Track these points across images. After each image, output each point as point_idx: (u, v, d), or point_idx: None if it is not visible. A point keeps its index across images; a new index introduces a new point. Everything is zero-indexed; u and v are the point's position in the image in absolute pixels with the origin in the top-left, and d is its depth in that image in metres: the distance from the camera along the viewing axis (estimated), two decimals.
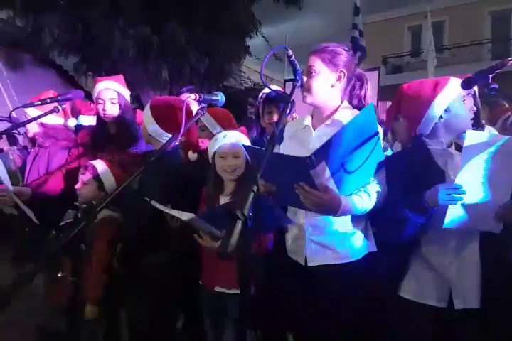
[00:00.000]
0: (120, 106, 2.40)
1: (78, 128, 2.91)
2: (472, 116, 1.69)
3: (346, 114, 1.67)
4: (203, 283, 1.96)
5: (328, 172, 1.43)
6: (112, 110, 2.38)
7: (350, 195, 1.58)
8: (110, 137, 2.43)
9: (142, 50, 7.93)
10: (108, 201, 1.24)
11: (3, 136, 2.01)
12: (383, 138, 1.91)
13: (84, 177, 2.19)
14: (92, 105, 3.05)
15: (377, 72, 4.14)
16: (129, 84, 2.55)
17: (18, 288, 0.95)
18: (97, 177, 2.19)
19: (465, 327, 1.58)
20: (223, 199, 1.91)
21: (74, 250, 2.14)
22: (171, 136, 1.90)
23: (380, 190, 1.63)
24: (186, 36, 8.09)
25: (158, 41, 7.96)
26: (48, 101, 1.96)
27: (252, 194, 0.92)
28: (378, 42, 13.27)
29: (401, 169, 1.66)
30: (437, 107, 1.64)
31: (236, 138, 1.93)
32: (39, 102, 1.95)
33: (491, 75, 1.41)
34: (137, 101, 7.98)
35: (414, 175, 1.60)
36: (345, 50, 1.72)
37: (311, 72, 1.69)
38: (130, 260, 2.08)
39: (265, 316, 1.86)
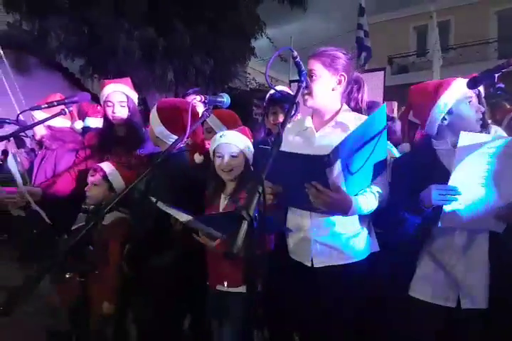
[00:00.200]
0: (129, 108, 2.41)
1: (85, 130, 2.93)
2: (480, 116, 1.67)
3: (349, 116, 1.70)
4: (208, 283, 1.97)
5: (340, 172, 1.44)
6: (121, 113, 2.38)
7: (356, 195, 1.58)
8: (118, 139, 2.44)
9: (147, 52, 7.97)
10: (116, 201, 1.25)
11: (11, 138, 2.02)
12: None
13: (94, 178, 2.21)
14: (98, 107, 3.06)
15: (382, 72, 4.16)
16: (135, 86, 2.55)
17: (29, 291, 0.96)
18: (106, 178, 2.21)
19: (467, 327, 1.58)
20: (224, 199, 1.92)
21: (81, 251, 2.16)
22: (177, 137, 1.91)
23: (380, 190, 1.63)
24: (191, 38, 8.12)
25: (163, 43, 8.00)
26: (55, 103, 1.98)
27: (258, 194, 0.92)
28: (384, 43, 13.27)
29: (408, 171, 1.66)
30: (440, 109, 1.64)
31: (234, 137, 1.93)
32: (46, 105, 1.97)
33: (497, 74, 1.40)
34: (143, 103, 8.01)
35: (422, 177, 1.60)
36: (344, 53, 1.73)
37: (312, 76, 1.70)
38: (137, 261, 2.09)
39: (269, 316, 1.86)
